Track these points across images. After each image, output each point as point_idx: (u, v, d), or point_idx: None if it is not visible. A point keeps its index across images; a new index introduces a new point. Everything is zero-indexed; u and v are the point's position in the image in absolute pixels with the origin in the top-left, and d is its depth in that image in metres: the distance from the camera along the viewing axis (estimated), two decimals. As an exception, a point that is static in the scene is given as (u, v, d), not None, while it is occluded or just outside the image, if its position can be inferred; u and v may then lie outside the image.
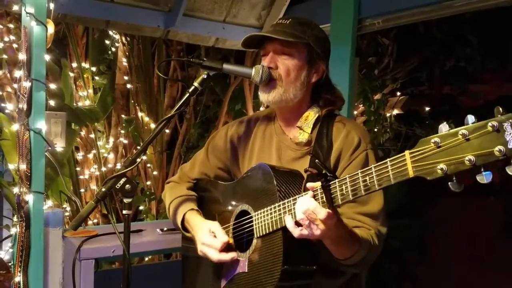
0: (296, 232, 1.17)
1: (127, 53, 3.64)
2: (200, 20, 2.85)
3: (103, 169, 3.63)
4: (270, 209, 1.27)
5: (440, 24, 3.64)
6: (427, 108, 3.86)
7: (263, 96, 1.44)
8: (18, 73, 2.08)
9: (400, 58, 3.78)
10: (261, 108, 3.62)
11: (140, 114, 3.70)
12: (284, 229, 1.23)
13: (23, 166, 1.93)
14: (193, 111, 4.00)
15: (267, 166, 1.35)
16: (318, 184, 1.14)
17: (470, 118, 0.86)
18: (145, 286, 2.44)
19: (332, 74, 1.52)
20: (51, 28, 1.98)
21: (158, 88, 3.74)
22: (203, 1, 2.80)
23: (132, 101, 3.75)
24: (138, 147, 3.68)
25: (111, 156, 3.76)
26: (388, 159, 0.98)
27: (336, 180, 1.10)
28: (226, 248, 1.39)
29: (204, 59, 1.49)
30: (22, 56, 1.94)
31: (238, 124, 1.63)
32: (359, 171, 1.05)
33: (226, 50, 3.34)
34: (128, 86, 3.71)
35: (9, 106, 3.47)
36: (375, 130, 3.40)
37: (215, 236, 1.39)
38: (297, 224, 1.17)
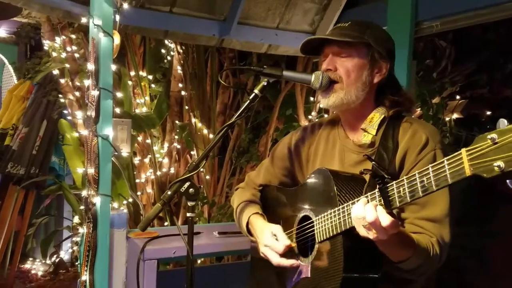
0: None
1: (181, 61, 3.75)
2: (253, 27, 2.90)
3: (158, 173, 3.75)
4: (330, 214, 1.26)
5: (499, 26, 3.50)
6: (488, 112, 3.71)
7: (323, 101, 1.42)
8: (86, 82, 2.20)
9: (459, 61, 3.66)
10: (313, 113, 3.62)
11: (193, 120, 3.79)
12: (344, 233, 1.21)
13: (91, 170, 2.03)
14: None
15: (326, 171, 1.33)
16: None
17: None
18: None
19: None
20: (117, 39, 2.08)
21: (211, 95, 3.83)
22: (257, 8, 2.84)
23: (186, 108, 3.85)
24: (192, 152, 3.82)
25: (166, 160, 3.87)
26: (445, 158, 0.95)
27: (394, 182, 1.08)
28: (289, 252, 1.39)
29: (265, 66, 1.51)
30: (90, 66, 2.05)
31: (302, 130, 1.64)
32: (417, 171, 1.01)
33: (278, 55, 3.38)
34: (182, 93, 3.82)
35: (78, 114, 3.65)
36: (434, 134, 3.30)
37: (277, 239, 1.40)
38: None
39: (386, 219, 1.07)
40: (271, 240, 1.41)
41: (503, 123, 0.86)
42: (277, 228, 1.44)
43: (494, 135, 0.85)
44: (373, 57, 1.40)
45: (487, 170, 0.85)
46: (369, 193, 1.14)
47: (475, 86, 3.82)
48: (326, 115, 3.38)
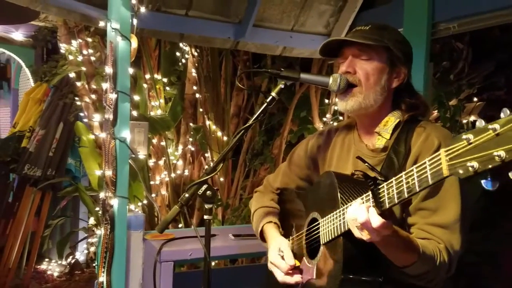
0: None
1: (196, 64, 3.77)
2: (268, 30, 2.90)
3: (173, 175, 3.77)
4: (332, 216, 1.27)
5: (517, 27, 3.46)
6: (506, 115, 3.65)
7: (341, 105, 1.42)
8: (103, 85, 2.22)
9: (476, 63, 3.62)
10: (327, 115, 3.61)
11: (207, 122, 3.81)
12: (344, 235, 1.21)
13: (108, 172, 2.05)
14: (258, 119, 4.05)
15: (332, 173, 1.34)
16: None
17: (505, 112, 0.78)
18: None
19: (407, 79, 1.49)
20: (134, 43, 2.10)
21: (225, 97, 3.84)
22: (272, 11, 2.85)
23: (200, 110, 3.87)
24: (206, 154, 3.83)
25: (180, 162, 3.89)
26: (427, 159, 0.94)
27: (385, 183, 1.08)
28: (298, 254, 1.45)
29: (282, 69, 1.51)
30: (108, 70, 2.07)
31: (319, 135, 1.64)
32: (403, 172, 1.01)
33: (292, 57, 3.37)
34: (197, 95, 3.84)
35: (94, 116, 3.69)
36: (451, 137, 3.26)
37: (283, 258, 1.45)
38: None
39: (376, 220, 1.07)
40: (277, 259, 1.46)
41: (480, 122, 0.83)
42: (285, 245, 1.48)
43: (469, 135, 0.83)
44: (392, 61, 1.39)
45: (462, 171, 0.84)
46: (364, 195, 1.15)
47: (492, 88, 3.77)
48: (341, 117, 3.37)
